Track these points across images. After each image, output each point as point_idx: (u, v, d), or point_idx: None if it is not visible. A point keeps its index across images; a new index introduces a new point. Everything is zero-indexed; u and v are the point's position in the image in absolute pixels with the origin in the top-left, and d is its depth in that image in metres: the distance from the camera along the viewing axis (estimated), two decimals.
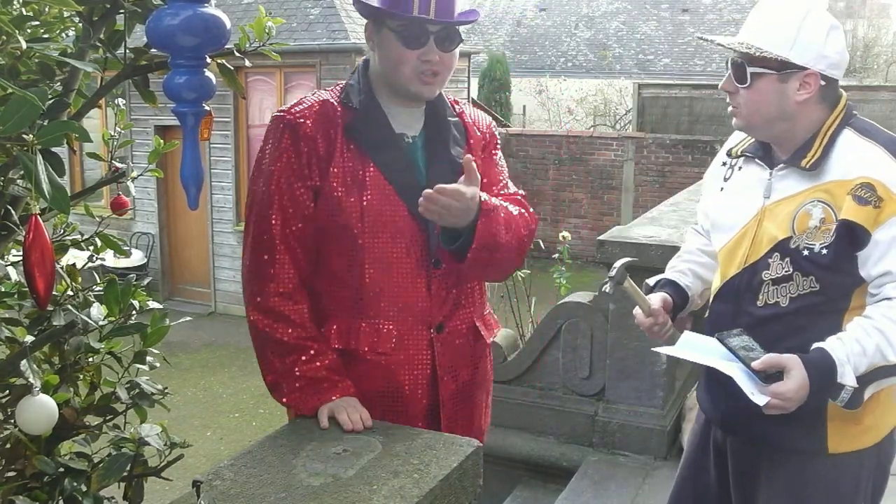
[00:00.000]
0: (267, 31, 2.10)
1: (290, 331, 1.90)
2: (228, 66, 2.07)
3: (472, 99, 13.17)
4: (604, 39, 23.48)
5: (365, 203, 1.90)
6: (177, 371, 7.80)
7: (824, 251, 1.83)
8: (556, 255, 6.23)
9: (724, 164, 2.13)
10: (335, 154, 1.90)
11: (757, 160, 2.00)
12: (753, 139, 2.04)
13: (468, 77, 12.28)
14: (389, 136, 1.96)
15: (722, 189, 2.10)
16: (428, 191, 1.82)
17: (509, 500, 4.08)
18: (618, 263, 2.06)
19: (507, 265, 2.03)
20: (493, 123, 2.20)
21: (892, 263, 1.79)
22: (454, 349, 2.02)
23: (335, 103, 1.95)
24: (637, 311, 2.09)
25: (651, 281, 2.20)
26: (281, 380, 1.91)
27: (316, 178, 1.90)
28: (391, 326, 1.94)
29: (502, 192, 2.09)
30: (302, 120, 1.90)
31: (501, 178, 2.12)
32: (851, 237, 1.80)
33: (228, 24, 1.74)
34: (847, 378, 1.77)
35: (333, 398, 1.86)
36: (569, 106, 19.49)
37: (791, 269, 1.88)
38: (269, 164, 1.92)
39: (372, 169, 1.91)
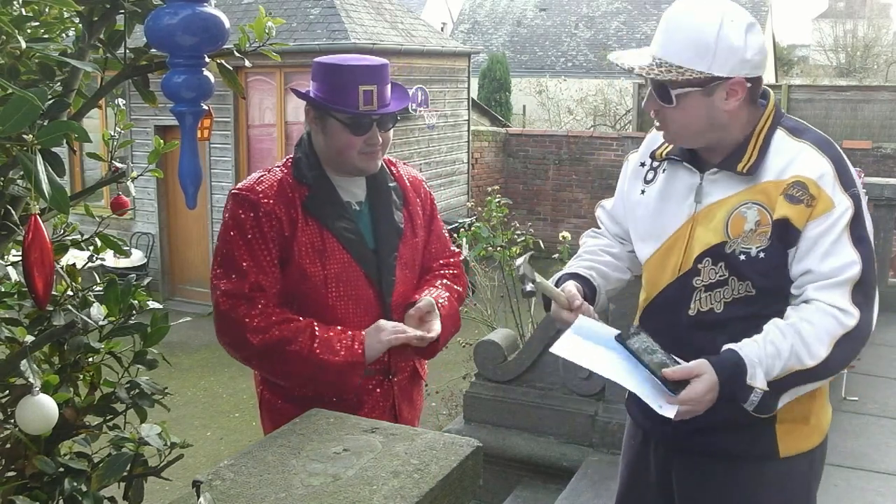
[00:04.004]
0: (267, 31, 2.10)
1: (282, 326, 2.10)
2: (228, 66, 2.07)
3: (472, 99, 13.16)
4: (604, 39, 23.48)
5: (328, 271, 2.12)
6: (177, 371, 7.80)
7: (762, 255, 1.79)
8: (556, 256, 6.23)
9: (644, 164, 2.03)
10: (297, 229, 2.11)
11: (685, 164, 1.92)
12: None
13: (468, 77, 12.27)
14: (341, 208, 2.18)
15: (643, 192, 2.00)
16: (413, 335, 2.12)
17: (509, 500, 4.08)
18: (520, 262, 1.94)
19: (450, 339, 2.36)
20: (424, 180, 2.42)
21: (814, 261, 1.75)
22: (404, 390, 2.29)
23: (290, 180, 2.15)
24: (555, 308, 1.96)
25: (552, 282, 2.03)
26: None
27: (276, 252, 2.10)
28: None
29: (448, 263, 2.37)
30: (266, 200, 2.10)
31: (444, 246, 2.40)
32: (784, 236, 1.77)
33: (227, 24, 1.74)
34: (757, 380, 1.72)
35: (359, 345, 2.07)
36: (569, 106, 19.50)
37: (727, 274, 1.83)
38: (233, 231, 2.11)
39: (331, 240, 2.13)
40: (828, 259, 1.74)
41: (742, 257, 1.80)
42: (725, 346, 1.78)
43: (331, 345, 2.08)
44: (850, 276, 1.74)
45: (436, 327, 2.16)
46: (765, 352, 1.73)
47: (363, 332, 2.11)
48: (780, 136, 1.84)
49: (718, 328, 1.85)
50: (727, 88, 1.79)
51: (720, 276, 1.84)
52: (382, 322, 2.13)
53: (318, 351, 2.07)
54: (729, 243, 1.82)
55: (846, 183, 1.78)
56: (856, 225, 1.77)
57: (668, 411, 1.74)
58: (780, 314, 1.82)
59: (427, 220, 2.34)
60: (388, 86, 2.13)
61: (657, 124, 1.90)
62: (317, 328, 2.09)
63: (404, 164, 2.41)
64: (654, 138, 2.04)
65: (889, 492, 3.64)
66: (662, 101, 1.82)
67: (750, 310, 1.83)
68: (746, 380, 1.72)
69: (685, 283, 1.88)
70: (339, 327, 2.12)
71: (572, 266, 2.10)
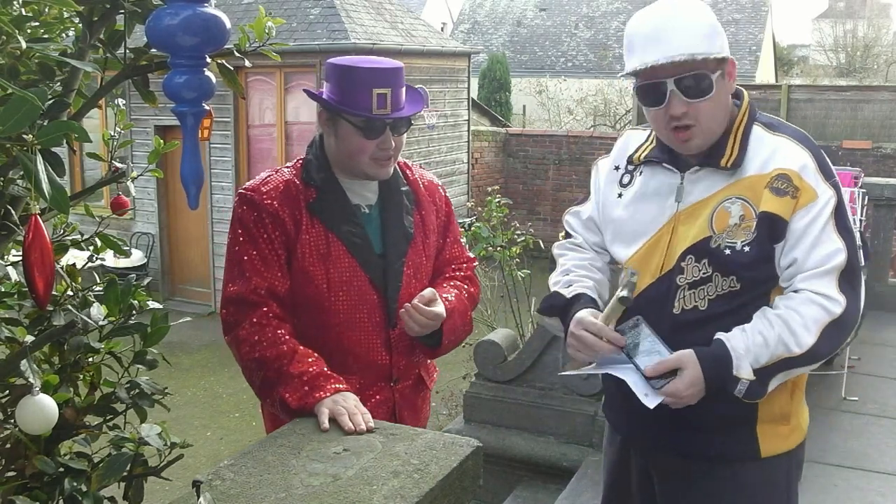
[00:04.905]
0: (267, 31, 2.10)
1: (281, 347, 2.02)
2: (228, 66, 2.07)
3: (472, 99, 13.16)
4: (604, 39, 23.49)
5: (331, 275, 2.08)
6: (177, 371, 7.80)
7: (746, 248, 1.80)
8: None
9: (618, 168, 2.02)
10: (301, 231, 2.08)
11: (664, 165, 1.92)
12: (655, 144, 1.95)
13: (468, 77, 12.27)
14: (349, 212, 2.14)
15: (620, 195, 1.99)
16: (408, 306, 2.08)
17: (509, 500, 4.08)
18: (635, 279, 1.88)
19: (461, 340, 2.33)
20: (442, 186, 2.38)
21: (801, 252, 1.77)
22: (406, 398, 2.24)
23: (297, 182, 2.12)
24: (593, 322, 1.87)
25: (568, 294, 1.99)
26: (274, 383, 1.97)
27: (282, 252, 2.07)
28: (354, 379, 2.09)
29: (460, 267, 2.34)
30: (269, 201, 2.07)
31: (459, 252, 2.37)
32: (771, 229, 1.78)
33: (228, 24, 1.75)
34: (743, 371, 1.75)
35: (327, 394, 1.86)
36: (569, 106, 19.51)
37: (710, 271, 1.83)
38: (239, 229, 2.08)
39: (336, 243, 2.10)
40: (814, 249, 1.77)
41: (727, 252, 1.81)
42: (715, 336, 1.80)
43: (292, 385, 1.93)
44: (837, 265, 1.76)
45: (438, 310, 2.10)
46: (752, 342, 1.77)
47: (332, 388, 1.89)
48: (758, 131, 1.88)
49: (703, 325, 1.85)
50: (728, 69, 1.84)
51: (703, 274, 1.84)
52: (352, 396, 1.88)
53: (281, 389, 1.94)
54: (714, 238, 1.82)
55: (826, 174, 1.82)
56: (839, 214, 1.80)
57: (651, 402, 1.78)
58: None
59: (442, 226, 2.30)
60: (403, 89, 2.09)
61: (683, 135, 1.82)
62: (292, 363, 1.95)
63: (419, 167, 2.37)
64: (627, 142, 2.04)
65: (889, 492, 3.64)
66: (698, 95, 1.79)
67: (734, 304, 1.83)
68: (732, 371, 1.76)
69: (668, 282, 1.88)
70: (313, 368, 1.94)
71: (578, 288, 2.00)
